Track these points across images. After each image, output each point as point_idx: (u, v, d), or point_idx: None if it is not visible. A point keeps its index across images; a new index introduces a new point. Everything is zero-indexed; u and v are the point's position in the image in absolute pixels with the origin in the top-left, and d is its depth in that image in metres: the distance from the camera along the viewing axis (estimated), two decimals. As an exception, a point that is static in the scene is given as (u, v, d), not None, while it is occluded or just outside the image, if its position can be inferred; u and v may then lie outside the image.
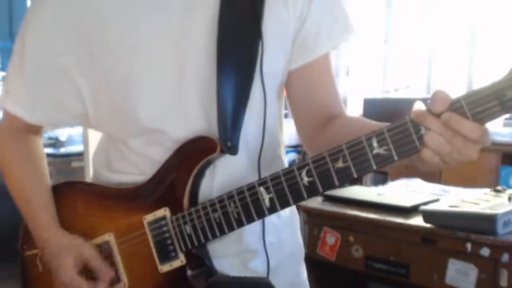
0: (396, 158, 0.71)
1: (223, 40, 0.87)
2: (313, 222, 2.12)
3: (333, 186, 0.77)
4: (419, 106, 0.70)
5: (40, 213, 0.98)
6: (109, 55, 0.89)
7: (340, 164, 0.75)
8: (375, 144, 0.72)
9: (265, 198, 0.81)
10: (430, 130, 0.69)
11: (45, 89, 0.95)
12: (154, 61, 0.88)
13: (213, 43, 0.87)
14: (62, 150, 4.42)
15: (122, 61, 0.89)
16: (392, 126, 0.71)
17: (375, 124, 0.84)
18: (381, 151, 0.72)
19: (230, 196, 0.84)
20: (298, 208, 1.08)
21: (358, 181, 3.19)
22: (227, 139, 0.86)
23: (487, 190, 1.91)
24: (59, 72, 0.93)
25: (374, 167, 0.73)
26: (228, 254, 0.94)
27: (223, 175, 0.91)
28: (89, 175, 1.08)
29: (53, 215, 0.98)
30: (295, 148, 3.97)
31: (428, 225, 1.79)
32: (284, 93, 1.01)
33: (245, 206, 0.82)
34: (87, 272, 0.93)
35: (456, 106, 0.67)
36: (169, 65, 0.88)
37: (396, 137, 0.71)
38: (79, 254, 0.93)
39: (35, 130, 1.04)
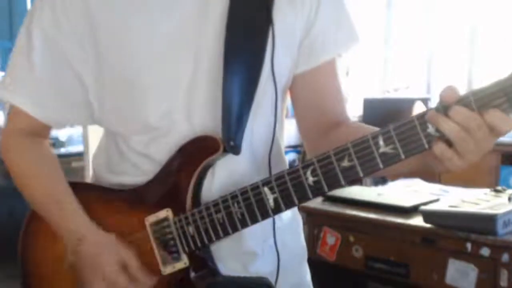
0: (403, 156, 0.70)
1: (230, 39, 0.87)
2: (313, 222, 2.12)
3: (339, 186, 0.76)
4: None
5: (73, 212, 0.94)
6: (118, 50, 0.89)
7: (345, 163, 0.74)
8: (381, 142, 0.71)
9: (269, 198, 0.79)
10: (451, 121, 0.67)
11: (53, 83, 0.94)
12: (166, 60, 0.88)
13: (222, 42, 0.87)
14: (62, 150, 4.42)
15: (133, 58, 0.89)
16: (399, 124, 0.70)
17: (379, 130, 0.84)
18: (387, 149, 0.71)
19: (233, 196, 0.83)
20: (298, 208, 1.08)
21: (358, 181, 3.18)
22: (230, 138, 0.86)
23: (487, 190, 1.91)
24: (66, 65, 0.92)
25: (381, 166, 0.72)
26: (228, 257, 0.93)
27: (223, 175, 0.91)
28: (89, 175, 1.08)
29: (83, 213, 0.94)
30: (295, 148, 3.96)
31: (428, 225, 1.79)
32: (288, 96, 1.01)
33: (249, 207, 0.81)
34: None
35: (464, 102, 0.67)
36: (181, 65, 0.88)
37: (402, 135, 0.70)
38: (118, 254, 0.89)
39: (42, 133, 1.01)
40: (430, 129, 0.69)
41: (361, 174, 0.74)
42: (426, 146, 0.69)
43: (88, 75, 0.93)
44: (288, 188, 0.78)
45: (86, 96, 0.95)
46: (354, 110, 4.11)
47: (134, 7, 0.89)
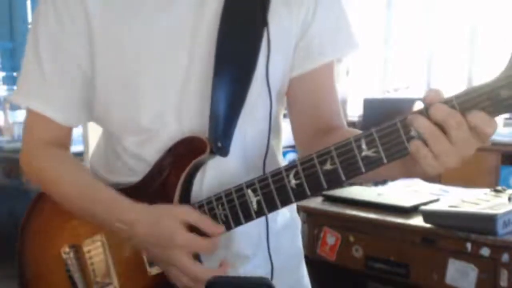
0: (385, 160, 0.69)
1: (223, 41, 0.86)
2: (313, 222, 2.12)
3: (321, 189, 0.74)
4: (420, 107, 0.69)
5: (115, 201, 0.88)
6: (112, 51, 0.89)
7: (328, 166, 0.72)
8: (364, 146, 0.69)
9: (253, 200, 0.78)
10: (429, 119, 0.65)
11: (63, 83, 0.93)
12: (160, 62, 0.88)
13: (214, 44, 0.86)
14: (62, 150, 4.42)
15: (127, 59, 0.88)
16: (381, 127, 0.69)
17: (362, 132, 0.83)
18: (369, 153, 0.69)
19: (218, 198, 0.82)
20: (298, 208, 1.07)
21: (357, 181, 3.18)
22: (217, 139, 0.85)
23: (487, 190, 1.91)
24: (72, 62, 0.92)
25: (363, 169, 0.70)
26: (218, 258, 0.91)
27: (214, 177, 0.90)
28: (89, 175, 1.07)
29: (123, 196, 0.88)
30: (295, 148, 3.96)
31: (428, 225, 1.79)
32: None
33: (233, 209, 0.80)
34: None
35: (448, 105, 0.65)
36: (174, 66, 0.88)
37: (385, 138, 0.68)
38: (174, 217, 0.82)
39: (63, 140, 0.99)
40: (413, 132, 0.67)
41: (343, 178, 0.72)
42: (409, 149, 0.67)
43: (89, 72, 0.92)
44: (271, 191, 0.77)
45: (89, 94, 0.94)
46: (354, 110, 4.11)
47: (130, 8, 0.88)
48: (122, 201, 0.88)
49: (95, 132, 1.04)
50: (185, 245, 0.81)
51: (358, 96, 4.24)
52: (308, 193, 0.75)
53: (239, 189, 0.80)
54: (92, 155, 1.06)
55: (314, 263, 1.10)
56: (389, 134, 0.68)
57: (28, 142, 0.98)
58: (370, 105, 3.88)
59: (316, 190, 0.74)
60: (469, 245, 1.69)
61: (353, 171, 0.71)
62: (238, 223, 0.81)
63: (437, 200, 1.96)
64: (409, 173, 0.76)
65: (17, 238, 1.04)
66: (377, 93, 4.40)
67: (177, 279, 0.83)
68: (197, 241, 0.81)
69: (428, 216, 1.79)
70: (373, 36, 4.41)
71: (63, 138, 0.98)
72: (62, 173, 0.95)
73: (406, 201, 2.00)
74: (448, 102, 0.65)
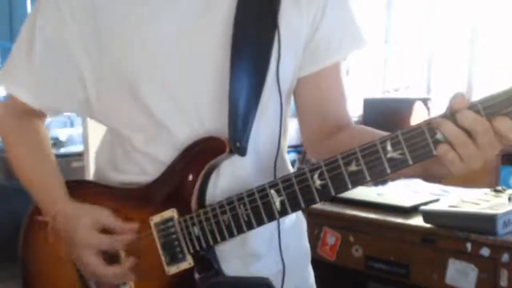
0: (411, 162, 0.71)
1: (238, 40, 0.86)
2: (313, 222, 2.12)
3: (346, 190, 0.76)
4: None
5: (51, 186, 0.97)
6: (120, 46, 0.89)
7: (353, 167, 0.74)
8: (389, 147, 0.71)
9: (276, 201, 0.79)
10: (458, 123, 0.68)
11: (51, 74, 0.95)
12: (167, 61, 0.88)
13: (228, 43, 0.87)
14: (62, 150, 4.43)
15: (134, 54, 0.88)
16: (407, 130, 0.71)
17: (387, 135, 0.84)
18: (395, 155, 0.71)
19: (239, 198, 0.82)
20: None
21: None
22: (236, 139, 0.86)
23: (487, 190, 1.91)
24: (67, 58, 0.93)
25: (388, 171, 0.72)
26: (232, 258, 0.93)
27: (228, 176, 0.91)
28: (89, 175, 1.08)
29: (64, 187, 0.97)
30: (295, 148, 3.96)
31: (428, 225, 1.79)
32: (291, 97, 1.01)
33: (256, 209, 0.81)
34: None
35: (473, 110, 0.67)
36: (182, 63, 0.88)
37: (410, 141, 0.70)
38: (95, 215, 0.90)
39: (38, 114, 1.03)
40: (439, 135, 0.69)
41: (368, 178, 0.74)
42: (434, 152, 0.69)
43: (90, 73, 0.93)
44: (295, 191, 0.78)
45: (85, 92, 0.95)
46: (354, 110, 4.11)
47: (138, 5, 0.88)
48: (55, 190, 0.96)
49: (95, 132, 1.05)
50: (94, 243, 0.89)
51: (358, 96, 4.24)
52: (333, 193, 0.76)
53: (262, 190, 0.80)
54: (97, 155, 1.06)
55: (314, 262, 1.10)
56: (415, 136, 0.70)
57: (3, 110, 1.03)
58: (370, 105, 3.87)
59: (341, 190, 0.76)
60: (469, 245, 1.69)
61: (378, 172, 0.73)
62: (260, 222, 0.82)
63: (437, 200, 1.96)
64: (428, 173, 0.78)
65: (17, 238, 1.04)
66: (377, 93, 4.41)
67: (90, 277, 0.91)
68: (99, 239, 0.89)
69: (428, 216, 1.79)
70: (373, 36, 4.41)
71: (39, 113, 1.02)
72: (23, 148, 1.01)
73: (406, 201, 2.00)
74: (473, 107, 0.67)
